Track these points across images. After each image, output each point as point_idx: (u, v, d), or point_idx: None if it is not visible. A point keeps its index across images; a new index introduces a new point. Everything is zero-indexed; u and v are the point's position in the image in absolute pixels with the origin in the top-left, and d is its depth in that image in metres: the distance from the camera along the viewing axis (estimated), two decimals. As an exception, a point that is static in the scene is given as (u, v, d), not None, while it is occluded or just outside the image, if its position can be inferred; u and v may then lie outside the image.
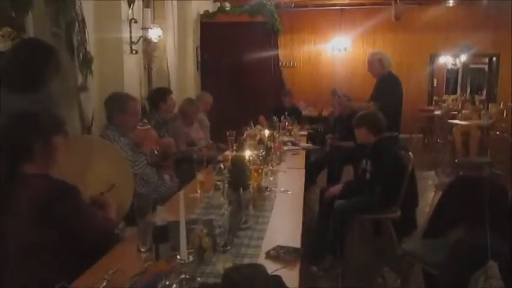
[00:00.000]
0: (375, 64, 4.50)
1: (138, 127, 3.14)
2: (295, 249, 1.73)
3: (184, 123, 4.37)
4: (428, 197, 5.28)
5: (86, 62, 3.48)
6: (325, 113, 8.03)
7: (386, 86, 4.41)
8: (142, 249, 1.63)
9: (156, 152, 3.27)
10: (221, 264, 1.51)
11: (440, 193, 3.08)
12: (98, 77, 3.89)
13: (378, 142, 3.35)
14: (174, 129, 4.24)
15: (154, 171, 3.22)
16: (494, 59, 11.00)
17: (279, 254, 1.69)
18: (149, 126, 3.30)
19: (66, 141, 1.82)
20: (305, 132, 5.65)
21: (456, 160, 5.57)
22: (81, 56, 3.43)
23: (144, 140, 3.11)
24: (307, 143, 5.14)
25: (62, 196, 1.67)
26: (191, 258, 1.55)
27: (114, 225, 1.94)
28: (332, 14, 10.11)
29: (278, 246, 1.75)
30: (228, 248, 1.54)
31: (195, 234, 1.61)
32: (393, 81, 4.45)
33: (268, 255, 1.71)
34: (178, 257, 1.49)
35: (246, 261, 1.68)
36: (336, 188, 3.49)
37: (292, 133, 5.02)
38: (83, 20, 3.41)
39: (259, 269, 1.37)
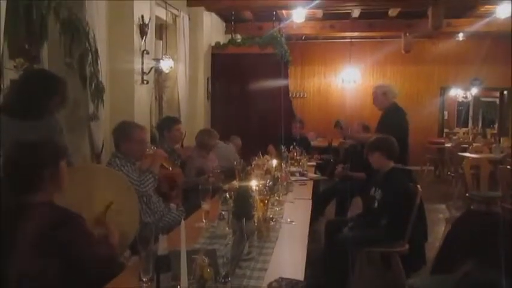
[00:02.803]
0: (379, 97, 4.51)
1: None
2: (298, 282, 1.70)
3: (201, 154, 4.39)
4: (439, 231, 5.19)
5: (98, 92, 3.56)
6: (334, 144, 8.03)
7: (391, 118, 4.39)
8: (144, 279, 1.62)
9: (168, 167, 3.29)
10: (221, 296, 1.49)
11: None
12: (110, 106, 3.97)
13: (390, 171, 3.34)
14: (187, 159, 4.26)
15: (161, 200, 3.22)
16: (505, 92, 10.98)
17: (281, 286, 1.67)
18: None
19: (71, 169, 1.84)
20: (313, 163, 5.63)
21: (467, 194, 5.50)
22: (93, 85, 3.51)
23: (152, 161, 3.13)
24: (315, 173, 5.12)
25: (67, 224, 1.68)
26: (191, 288, 1.54)
27: (117, 251, 1.94)
28: (342, 46, 10.23)
29: (280, 278, 1.73)
30: (229, 279, 1.53)
31: (197, 264, 1.60)
32: (398, 113, 4.44)
33: (270, 287, 1.69)
34: (179, 287, 1.49)
35: (248, 292, 1.66)
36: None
37: (301, 163, 5.01)
38: (96, 51, 3.50)
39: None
